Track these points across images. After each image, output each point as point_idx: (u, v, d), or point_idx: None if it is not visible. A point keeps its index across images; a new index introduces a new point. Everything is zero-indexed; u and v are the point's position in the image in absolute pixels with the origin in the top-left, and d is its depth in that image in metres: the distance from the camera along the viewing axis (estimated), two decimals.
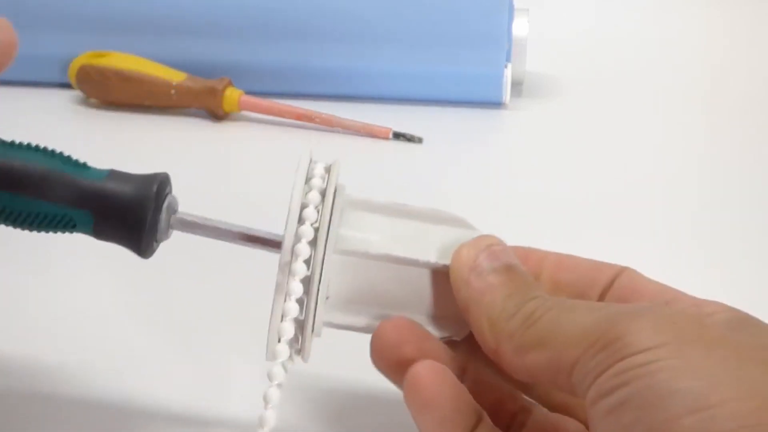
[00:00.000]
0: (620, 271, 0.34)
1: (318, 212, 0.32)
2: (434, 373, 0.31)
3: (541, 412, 0.34)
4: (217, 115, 0.68)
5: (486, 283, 0.31)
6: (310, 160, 0.34)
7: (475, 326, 0.31)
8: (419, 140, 0.66)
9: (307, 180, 0.33)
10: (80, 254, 0.49)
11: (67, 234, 0.34)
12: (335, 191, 0.33)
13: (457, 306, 0.32)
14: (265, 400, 0.31)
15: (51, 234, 0.34)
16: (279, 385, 0.31)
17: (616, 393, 0.25)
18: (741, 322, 0.30)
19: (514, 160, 0.65)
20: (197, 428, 0.38)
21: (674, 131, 0.70)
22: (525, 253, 0.35)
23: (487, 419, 0.32)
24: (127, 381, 0.41)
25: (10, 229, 0.34)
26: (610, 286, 0.34)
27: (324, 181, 0.33)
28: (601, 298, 0.34)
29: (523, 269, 0.32)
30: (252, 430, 0.31)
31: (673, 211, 0.57)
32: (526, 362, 0.29)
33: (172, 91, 0.68)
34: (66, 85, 0.72)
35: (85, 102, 0.71)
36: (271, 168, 0.62)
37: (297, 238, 0.32)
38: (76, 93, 0.71)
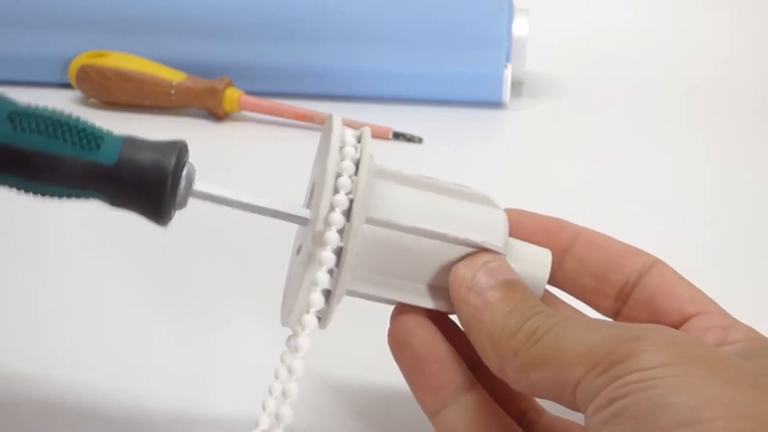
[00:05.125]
0: (650, 265, 0.33)
1: (352, 182, 0.31)
2: (423, 328, 0.32)
3: (552, 416, 0.34)
4: (217, 115, 0.68)
5: (485, 301, 0.31)
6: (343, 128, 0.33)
7: (478, 345, 0.31)
8: (419, 140, 0.66)
9: (340, 148, 0.32)
10: (79, 239, 0.49)
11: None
12: (369, 161, 0.32)
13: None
14: (290, 371, 0.30)
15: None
16: (303, 357, 0.31)
17: (614, 404, 0.26)
18: (761, 349, 0.30)
19: (514, 160, 0.65)
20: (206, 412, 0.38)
21: (675, 131, 0.70)
22: (559, 225, 0.35)
23: (481, 389, 0.32)
24: (134, 367, 0.41)
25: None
26: (637, 281, 0.33)
27: (356, 151, 0.32)
28: (625, 291, 0.33)
29: (522, 284, 0.32)
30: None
31: (674, 211, 0.57)
32: (532, 379, 0.29)
33: (172, 91, 0.68)
34: (66, 85, 0.72)
35: (85, 102, 0.71)
36: (272, 168, 0.62)
37: (332, 207, 0.31)
38: (76, 93, 0.71)
